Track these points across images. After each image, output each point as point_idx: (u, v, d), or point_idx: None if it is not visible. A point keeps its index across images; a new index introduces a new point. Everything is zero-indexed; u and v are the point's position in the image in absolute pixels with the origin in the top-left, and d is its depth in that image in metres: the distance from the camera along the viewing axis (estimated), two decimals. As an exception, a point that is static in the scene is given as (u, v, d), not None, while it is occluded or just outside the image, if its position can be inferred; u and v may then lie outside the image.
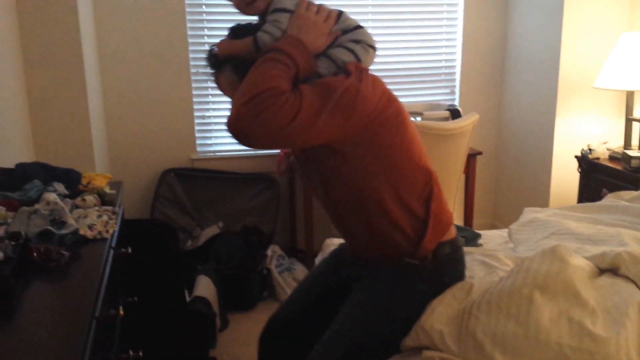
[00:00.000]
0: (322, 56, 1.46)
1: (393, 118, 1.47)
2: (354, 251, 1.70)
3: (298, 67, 1.40)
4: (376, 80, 1.47)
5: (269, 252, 3.31)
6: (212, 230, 3.36)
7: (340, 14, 1.52)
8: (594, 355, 1.31)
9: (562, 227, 1.95)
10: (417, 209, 1.54)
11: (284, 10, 1.46)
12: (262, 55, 1.41)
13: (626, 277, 1.53)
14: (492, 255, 1.76)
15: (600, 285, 1.50)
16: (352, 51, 1.47)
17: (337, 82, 1.39)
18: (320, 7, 1.50)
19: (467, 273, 1.70)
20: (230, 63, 1.50)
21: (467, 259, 1.73)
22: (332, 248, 2.20)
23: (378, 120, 1.44)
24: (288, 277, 3.23)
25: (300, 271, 3.29)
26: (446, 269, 1.60)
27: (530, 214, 2.20)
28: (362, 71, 1.45)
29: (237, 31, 1.54)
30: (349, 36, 1.49)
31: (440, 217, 1.57)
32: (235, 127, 1.34)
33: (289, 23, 1.45)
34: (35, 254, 1.38)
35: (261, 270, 3.18)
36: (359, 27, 1.52)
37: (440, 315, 1.48)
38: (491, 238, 2.27)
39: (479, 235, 2.16)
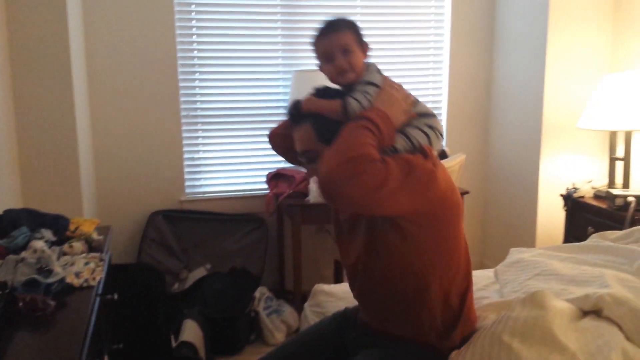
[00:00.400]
0: (399, 132, 1.54)
1: (455, 207, 1.55)
2: (370, 322, 1.71)
3: (383, 138, 1.47)
4: (445, 169, 1.56)
5: (257, 294, 3.29)
6: (199, 272, 3.34)
7: (416, 99, 1.63)
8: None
9: (547, 267, 1.97)
10: (454, 300, 1.59)
11: (374, 84, 1.57)
12: (351, 121, 1.49)
13: (609, 319, 1.55)
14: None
15: (583, 328, 1.52)
16: (426, 135, 1.57)
17: (417, 160, 1.47)
18: (400, 87, 1.61)
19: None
20: (311, 119, 1.57)
21: None
22: (321, 297, 2.19)
23: (443, 205, 1.51)
24: (276, 319, 3.20)
25: (289, 313, 3.26)
26: None
27: (515, 254, 2.22)
28: (434, 157, 1.55)
29: (323, 92, 1.63)
30: (424, 120, 1.60)
31: (470, 314, 1.65)
32: (329, 185, 1.38)
33: (376, 96, 1.55)
34: (20, 304, 1.38)
35: (249, 312, 3.16)
36: (433, 114, 1.62)
37: None
38: (479, 279, 2.27)
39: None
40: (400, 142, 1.53)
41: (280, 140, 1.75)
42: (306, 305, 2.26)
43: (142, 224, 3.45)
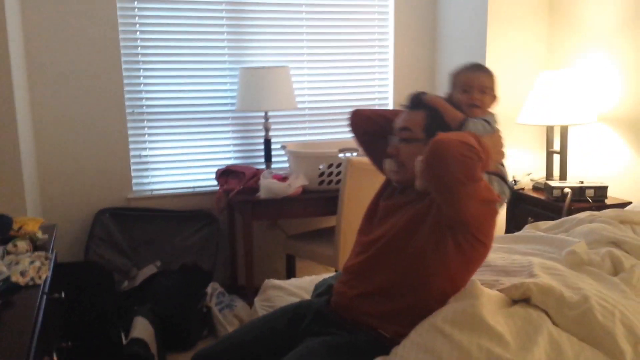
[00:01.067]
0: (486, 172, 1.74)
1: (485, 253, 1.70)
2: (344, 296, 1.77)
3: (482, 164, 1.58)
4: None
5: (209, 290, 3.30)
6: (149, 270, 3.32)
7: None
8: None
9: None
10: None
11: (491, 126, 1.84)
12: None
13: (537, 306, 1.66)
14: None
15: (512, 313, 1.62)
16: (502, 191, 1.82)
17: (495, 193, 1.63)
18: (503, 144, 1.84)
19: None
20: (428, 110, 1.77)
21: None
22: (271, 292, 2.23)
23: (482, 243, 1.65)
24: (229, 314, 3.22)
25: (241, 308, 3.29)
26: None
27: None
28: None
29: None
30: (502, 182, 1.84)
31: None
32: (442, 149, 1.48)
33: (488, 136, 1.76)
34: (-36, 305, 1.37)
35: (201, 308, 3.17)
36: (509, 184, 1.88)
37: None
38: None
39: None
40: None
41: (363, 120, 1.95)
42: (256, 299, 2.29)
43: (89, 222, 3.41)
